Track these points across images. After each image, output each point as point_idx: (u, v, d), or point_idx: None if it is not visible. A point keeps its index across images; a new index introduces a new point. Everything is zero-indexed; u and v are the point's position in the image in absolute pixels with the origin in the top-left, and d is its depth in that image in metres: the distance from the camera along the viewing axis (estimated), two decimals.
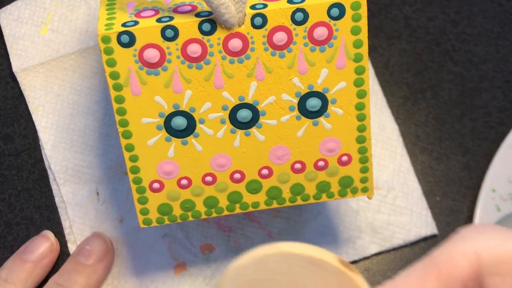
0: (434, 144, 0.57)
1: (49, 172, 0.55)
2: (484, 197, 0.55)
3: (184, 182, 0.44)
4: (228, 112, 0.42)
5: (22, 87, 0.56)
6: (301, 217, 0.55)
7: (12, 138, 0.56)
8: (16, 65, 0.56)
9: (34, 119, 0.55)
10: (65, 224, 0.55)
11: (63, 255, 0.55)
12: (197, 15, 0.41)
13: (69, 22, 0.56)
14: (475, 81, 0.58)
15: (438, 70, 0.58)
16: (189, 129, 0.43)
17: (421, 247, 0.56)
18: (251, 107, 0.42)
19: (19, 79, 0.56)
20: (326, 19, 0.41)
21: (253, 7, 0.41)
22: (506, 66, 0.58)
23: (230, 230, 0.55)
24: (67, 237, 0.55)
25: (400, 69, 0.58)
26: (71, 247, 0.55)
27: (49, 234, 0.54)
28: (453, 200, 0.56)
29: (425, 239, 0.56)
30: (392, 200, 0.56)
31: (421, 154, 0.57)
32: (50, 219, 0.55)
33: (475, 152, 0.57)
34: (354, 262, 0.55)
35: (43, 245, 0.53)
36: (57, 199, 0.55)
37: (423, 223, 0.55)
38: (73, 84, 0.56)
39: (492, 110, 0.57)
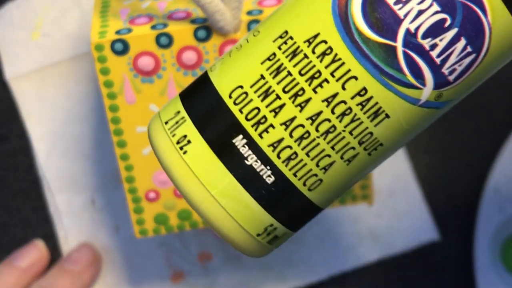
0: (436, 144, 0.57)
1: (43, 181, 0.55)
2: (487, 198, 0.55)
3: None
4: None
5: (16, 95, 0.55)
6: None
7: (9, 139, 0.56)
8: (9, 72, 0.55)
9: (27, 127, 0.55)
10: (60, 233, 0.55)
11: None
12: (192, 21, 0.40)
13: (61, 27, 0.56)
14: None
15: None
16: None
17: (422, 250, 0.56)
18: None
19: (12, 87, 0.55)
20: None
21: (249, 13, 0.40)
22: (509, 65, 0.57)
23: None
24: (62, 247, 0.54)
25: None
26: None
27: (39, 244, 0.54)
28: (456, 200, 0.56)
29: (426, 244, 0.56)
30: (393, 205, 0.55)
31: (423, 154, 0.56)
32: (47, 221, 0.55)
33: (478, 152, 0.57)
34: (354, 269, 0.55)
35: (33, 254, 0.53)
36: (52, 208, 0.55)
37: (424, 229, 0.55)
38: (67, 91, 0.55)
39: (495, 109, 0.57)
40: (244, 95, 0.29)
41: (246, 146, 0.29)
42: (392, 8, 0.27)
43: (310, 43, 0.28)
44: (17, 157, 0.56)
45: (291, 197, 0.30)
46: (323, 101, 0.28)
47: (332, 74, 0.28)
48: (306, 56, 0.28)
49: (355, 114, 0.28)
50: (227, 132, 0.29)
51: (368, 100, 0.28)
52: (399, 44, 0.27)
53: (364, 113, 0.28)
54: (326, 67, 0.28)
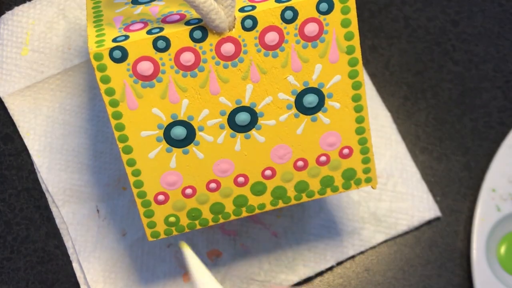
0: (434, 144, 0.57)
1: (47, 195, 0.55)
2: (484, 197, 0.55)
3: (188, 191, 0.44)
4: (226, 117, 0.42)
5: (11, 112, 0.55)
6: (304, 214, 0.55)
7: (12, 138, 0.56)
8: (2, 91, 0.55)
9: (26, 143, 0.55)
10: (68, 244, 0.55)
11: (68, 274, 0.55)
12: (187, 23, 0.40)
13: (49, 40, 0.56)
14: (475, 81, 0.58)
15: (438, 70, 0.58)
16: (189, 138, 0.42)
17: (421, 248, 0.56)
18: (249, 110, 0.42)
19: (6, 104, 0.55)
20: (316, 14, 0.41)
21: (242, 9, 0.41)
22: (506, 66, 0.58)
23: (235, 234, 0.55)
24: (71, 257, 0.55)
25: (400, 69, 0.58)
26: (75, 266, 0.55)
27: None
28: (453, 200, 0.57)
29: (429, 222, 0.56)
30: (393, 187, 0.56)
31: (421, 154, 0.57)
32: (50, 219, 0.55)
33: (475, 152, 0.57)
34: (361, 253, 0.56)
35: None
36: (57, 221, 0.55)
37: (425, 207, 0.56)
38: (61, 104, 0.55)
39: (492, 110, 0.58)
40: None
41: None
42: None
43: None
44: (20, 157, 0.56)
45: None
46: None
47: None
48: None
49: None
50: None
51: None
52: None
53: None
54: None
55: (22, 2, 0.57)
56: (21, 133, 0.55)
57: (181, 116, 0.42)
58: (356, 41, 0.42)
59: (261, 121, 0.43)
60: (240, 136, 0.43)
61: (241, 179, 0.44)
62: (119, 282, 0.54)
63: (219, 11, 0.39)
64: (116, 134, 0.42)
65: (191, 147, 0.43)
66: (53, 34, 0.56)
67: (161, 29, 0.40)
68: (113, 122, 0.42)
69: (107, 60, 0.40)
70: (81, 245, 0.54)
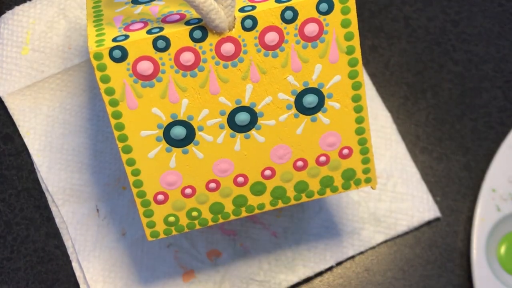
0: (434, 144, 0.57)
1: (47, 194, 0.55)
2: (484, 197, 0.55)
3: (188, 191, 0.44)
4: (226, 116, 0.42)
5: (11, 112, 0.55)
6: (304, 214, 0.55)
7: (12, 138, 0.56)
8: (2, 90, 0.55)
9: (26, 142, 0.55)
10: (68, 243, 0.55)
11: (67, 274, 0.55)
12: (187, 23, 0.40)
13: (50, 40, 0.56)
14: (475, 81, 0.58)
15: (438, 70, 0.58)
16: (189, 138, 0.42)
17: (421, 248, 0.56)
18: (249, 110, 0.42)
19: (7, 104, 0.55)
20: (316, 14, 0.41)
21: (241, 9, 0.41)
22: (506, 66, 0.58)
23: (234, 234, 0.55)
24: (70, 257, 0.55)
25: (400, 69, 0.58)
26: (75, 266, 0.55)
27: None
28: (453, 200, 0.57)
29: (429, 222, 0.56)
30: (392, 187, 0.56)
31: (421, 154, 0.57)
32: (50, 219, 0.55)
33: (475, 152, 0.57)
34: (361, 253, 0.56)
35: None
36: (57, 220, 0.55)
37: (425, 207, 0.56)
38: (62, 103, 0.55)
39: (492, 110, 0.58)
40: None
41: None
42: None
43: None
44: (20, 157, 0.56)
45: None
46: None
47: None
48: None
49: None
50: None
51: None
52: None
53: None
54: None
55: (23, 1, 0.57)
56: (21, 132, 0.55)
57: (181, 116, 0.42)
58: (356, 41, 0.42)
59: (260, 121, 0.43)
60: (239, 136, 0.43)
61: (240, 179, 0.44)
62: (118, 281, 0.54)
63: (219, 11, 0.39)
64: (116, 133, 0.42)
65: (191, 147, 0.43)
66: (53, 33, 0.56)
67: (161, 28, 0.40)
68: (113, 122, 0.42)
69: (107, 60, 0.40)
70: (81, 244, 0.55)
